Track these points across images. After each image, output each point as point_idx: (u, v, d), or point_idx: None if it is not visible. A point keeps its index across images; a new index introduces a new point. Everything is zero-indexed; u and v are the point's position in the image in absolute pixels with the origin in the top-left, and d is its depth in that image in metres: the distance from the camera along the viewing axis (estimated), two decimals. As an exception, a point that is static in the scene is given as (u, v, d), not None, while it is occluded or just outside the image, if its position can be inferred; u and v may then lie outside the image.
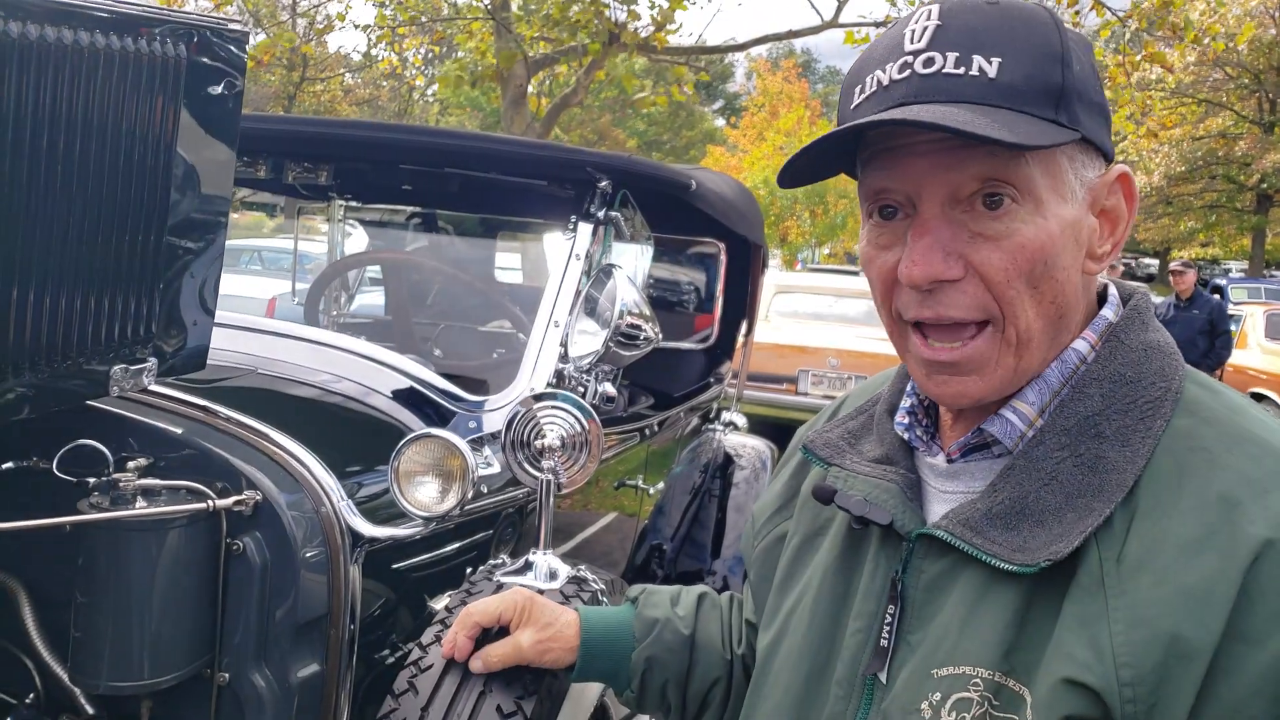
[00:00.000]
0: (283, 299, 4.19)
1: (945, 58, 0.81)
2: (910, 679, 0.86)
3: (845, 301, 8.88)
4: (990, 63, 0.80)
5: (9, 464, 1.50)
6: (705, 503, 4.07)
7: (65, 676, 1.48)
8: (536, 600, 1.26)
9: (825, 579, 0.98)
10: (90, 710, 1.49)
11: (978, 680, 0.81)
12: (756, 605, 1.12)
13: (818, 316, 8.71)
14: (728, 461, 4.14)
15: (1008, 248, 0.82)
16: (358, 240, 3.47)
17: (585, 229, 2.16)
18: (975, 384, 0.87)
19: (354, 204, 3.21)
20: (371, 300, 3.64)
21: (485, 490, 1.85)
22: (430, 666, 1.35)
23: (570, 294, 2.04)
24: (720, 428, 4.26)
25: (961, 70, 0.80)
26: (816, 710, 0.94)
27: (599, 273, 1.93)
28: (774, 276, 9.50)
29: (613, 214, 2.21)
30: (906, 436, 0.97)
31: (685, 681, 1.22)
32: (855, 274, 11.98)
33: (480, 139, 2.75)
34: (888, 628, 0.89)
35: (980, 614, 0.83)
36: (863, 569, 0.94)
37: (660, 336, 1.92)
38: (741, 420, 4.44)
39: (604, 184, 2.25)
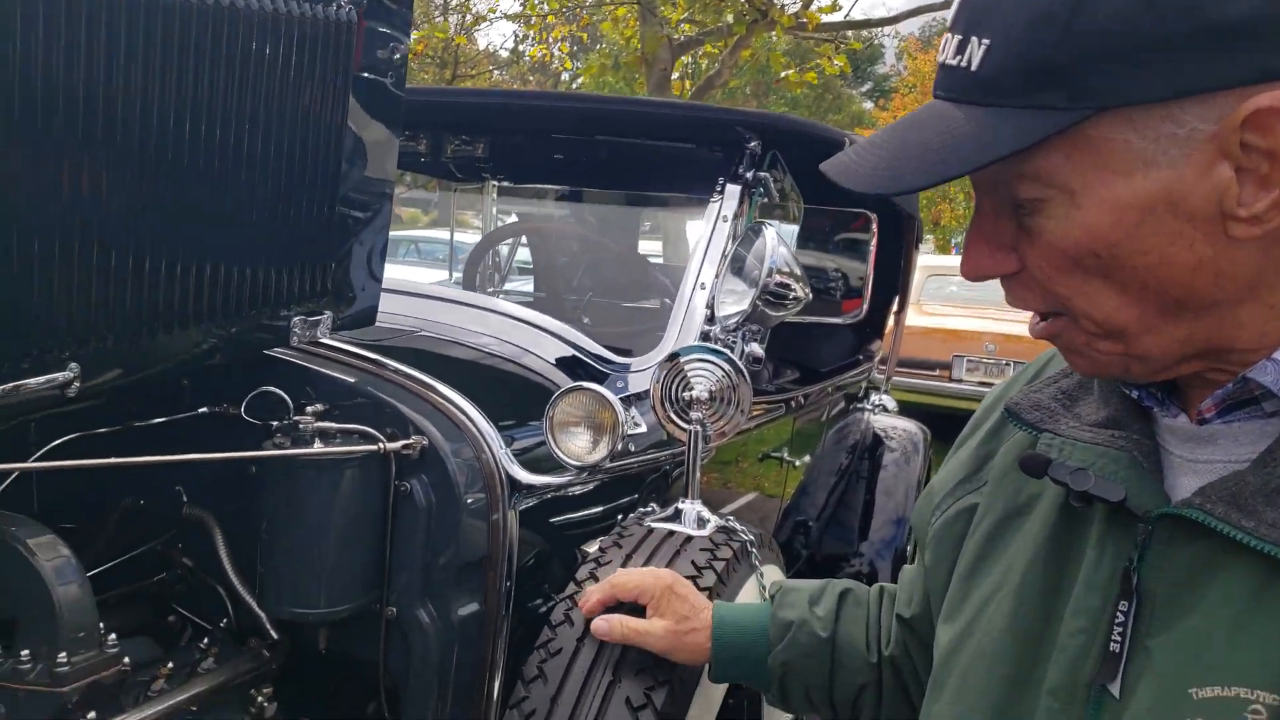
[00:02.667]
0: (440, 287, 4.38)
1: (953, 43, 0.73)
2: (1158, 699, 0.71)
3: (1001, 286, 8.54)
4: (979, 47, 0.70)
5: (204, 409, 1.65)
6: (852, 484, 4.00)
7: (253, 603, 1.61)
8: (678, 588, 1.24)
9: (1032, 566, 0.83)
10: (275, 635, 1.61)
11: (1259, 708, 0.65)
12: (933, 589, 0.99)
13: (973, 300, 8.41)
14: (877, 443, 4.06)
15: (1041, 246, 0.74)
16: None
17: (733, 190, 2.18)
18: (1083, 363, 0.79)
19: (506, 184, 3.33)
20: (522, 287, 3.76)
21: (633, 449, 1.89)
22: (560, 651, 1.39)
23: (717, 256, 2.06)
24: (869, 408, 4.19)
25: (957, 60, 0.72)
26: (1021, 717, 0.80)
27: (748, 230, 1.95)
28: (926, 259, 9.24)
29: (761, 175, 2.22)
30: (1135, 395, 0.81)
31: (829, 687, 1.15)
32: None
33: (629, 102, 2.80)
34: (1119, 629, 0.74)
35: (1259, 620, 0.67)
36: (1083, 556, 0.79)
37: (810, 296, 1.91)
38: (892, 403, 4.34)
39: (753, 144, 2.26)
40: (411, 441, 1.57)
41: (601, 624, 1.25)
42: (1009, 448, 0.92)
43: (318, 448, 1.50)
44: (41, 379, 1.20)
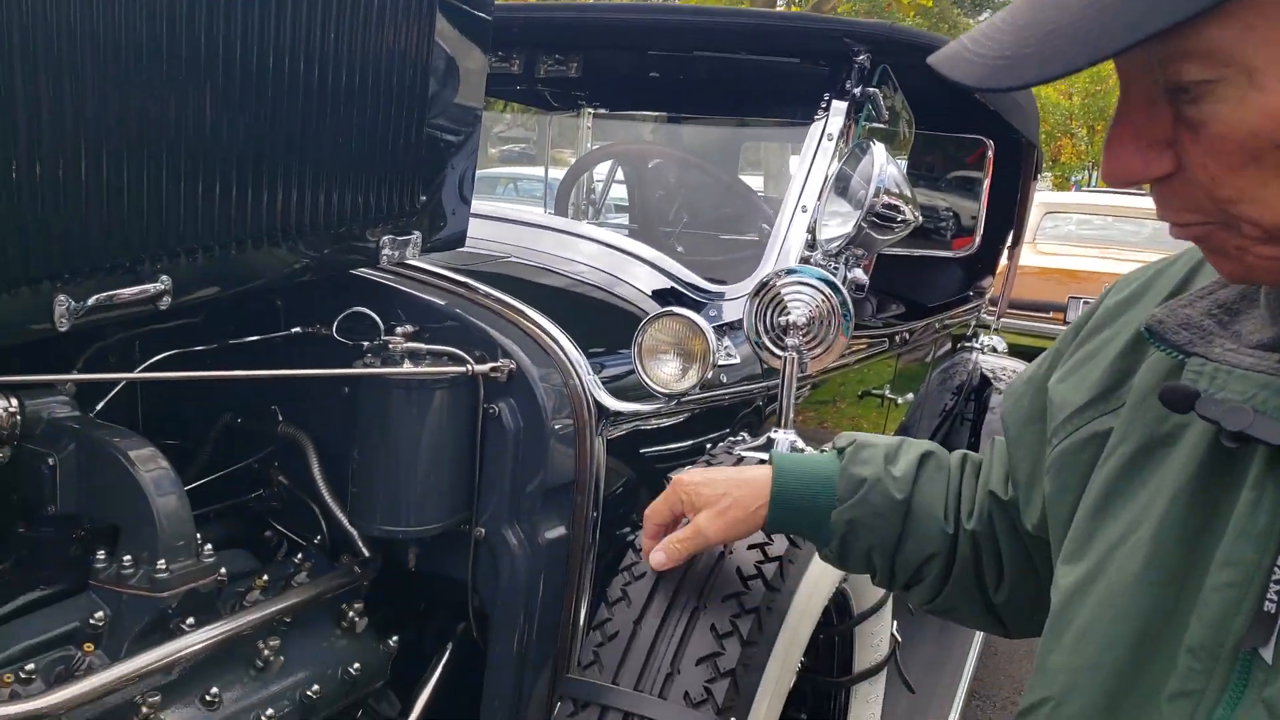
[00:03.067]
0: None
1: None
2: None
3: (1124, 224, 8.10)
4: None
5: (297, 329, 1.66)
6: (956, 427, 3.87)
7: (345, 521, 1.63)
8: (704, 482, 1.16)
9: (1173, 507, 0.73)
10: (366, 553, 1.63)
11: None
12: (1053, 521, 0.89)
13: (1092, 240, 8.01)
14: (984, 385, 3.91)
15: (1207, 140, 0.62)
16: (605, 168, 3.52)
17: (839, 107, 2.06)
18: (1232, 268, 0.68)
19: (601, 111, 3.26)
20: (615, 217, 3.70)
21: (724, 380, 1.84)
22: (644, 575, 1.36)
23: (820, 177, 1.97)
24: (978, 348, 4.03)
25: None
26: (1152, 680, 0.71)
27: (854, 148, 1.84)
28: (1042, 196, 8.81)
29: (870, 90, 2.10)
30: None
31: (894, 550, 1.07)
32: (1138, 193, 10.88)
33: (733, 13, 2.68)
34: (1276, 587, 0.65)
35: None
36: (1236, 499, 0.69)
37: (920, 219, 1.81)
38: (1001, 344, 4.17)
39: (861, 58, 2.13)
40: (499, 364, 1.56)
41: (660, 555, 1.19)
42: (1150, 367, 0.80)
43: (407, 368, 1.50)
44: (134, 289, 1.21)
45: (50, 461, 1.37)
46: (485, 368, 1.53)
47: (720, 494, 1.13)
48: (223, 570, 1.43)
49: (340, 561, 1.64)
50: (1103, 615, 0.75)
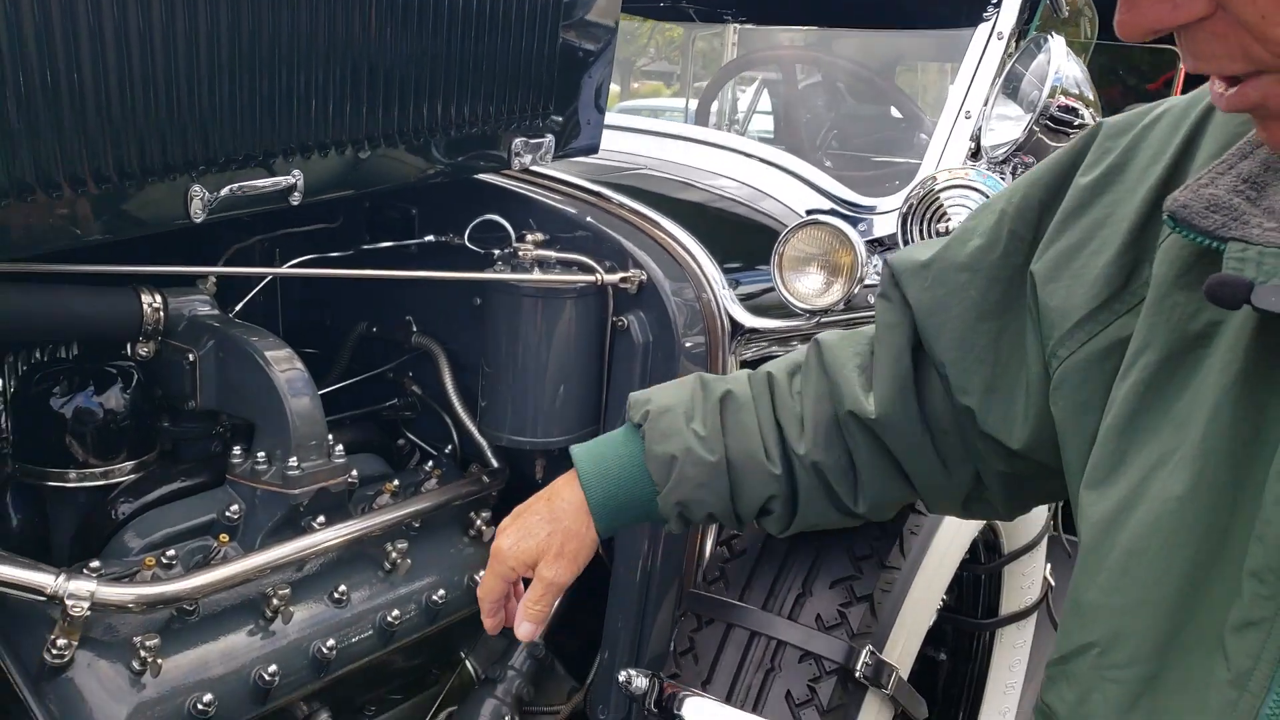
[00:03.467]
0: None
1: None
2: None
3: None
4: None
5: (430, 237, 1.64)
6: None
7: (475, 430, 1.62)
8: (523, 536, 1.02)
9: (1218, 415, 0.64)
10: (494, 463, 1.62)
11: None
12: (1069, 442, 0.78)
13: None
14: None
15: None
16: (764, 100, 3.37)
17: (1011, 3, 1.88)
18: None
19: (748, 25, 3.11)
20: (760, 134, 3.57)
21: (871, 300, 1.73)
22: (744, 552, 1.26)
23: (987, 79, 1.80)
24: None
25: None
26: (1211, 612, 0.63)
27: (1027, 43, 1.66)
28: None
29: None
30: None
31: (731, 505, 1.00)
32: None
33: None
34: None
35: None
36: None
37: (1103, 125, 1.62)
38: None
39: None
40: (630, 275, 1.49)
41: (524, 628, 1.04)
42: (1169, 257, 0.69)
43: (536, 275, 1.45)
44: (266, 182, 1.20)
45: (190, 358, 1.39)
46: (615, 278, 1.48)
47: (546, 536, 1.00)
48: (354, 473, 1.44)
49: (469, 471, 1.63)
50: (1148, 545, 0.66)
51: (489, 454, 1.63)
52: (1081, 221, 0.76)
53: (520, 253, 1.47)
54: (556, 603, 1.03)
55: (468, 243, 1.56)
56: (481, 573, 1.54)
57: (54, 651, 1.11)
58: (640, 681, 1.16)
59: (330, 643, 1.32)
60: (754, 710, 1.05)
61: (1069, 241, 0.77)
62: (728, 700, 1.05)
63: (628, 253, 1.51)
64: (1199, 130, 0.72)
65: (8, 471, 1.35)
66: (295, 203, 1.24)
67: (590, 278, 1.46)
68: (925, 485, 0.98)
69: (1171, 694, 0.64)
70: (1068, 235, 0.77)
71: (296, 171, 1.23)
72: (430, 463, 1.64)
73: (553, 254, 1.48)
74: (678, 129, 2.10)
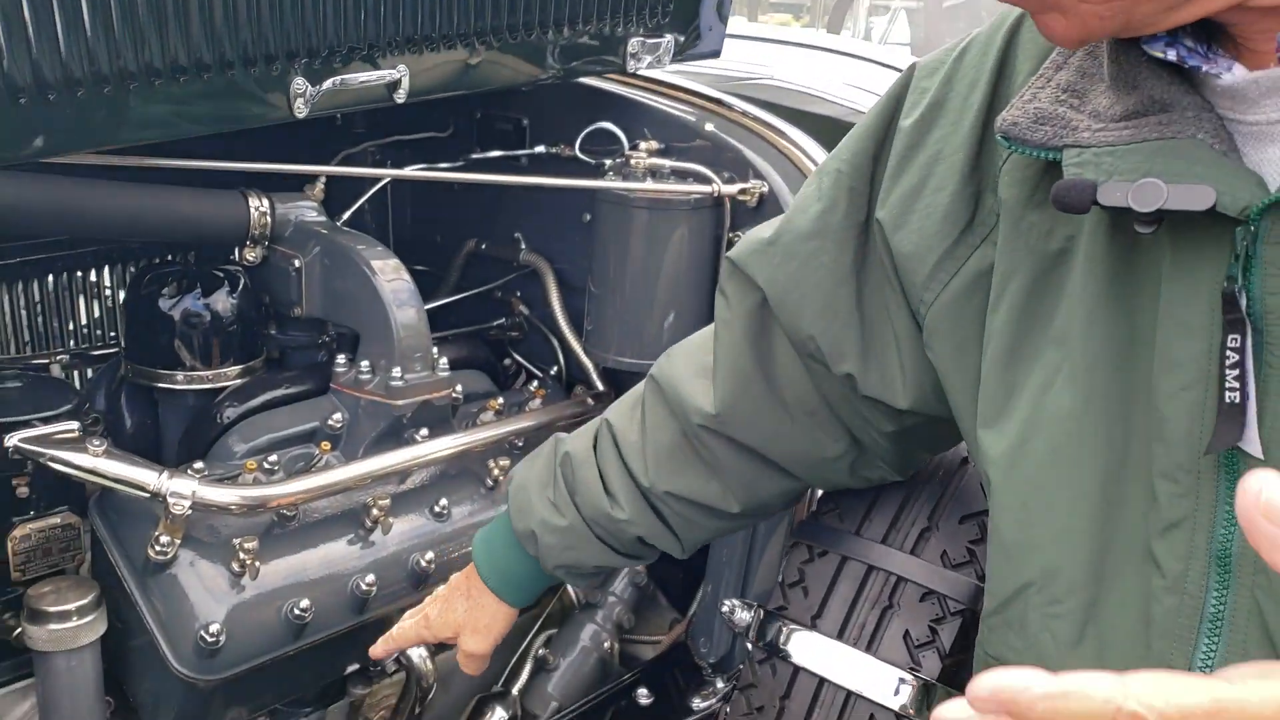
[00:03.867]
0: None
1: None
2: None
3: None
4: None
5: (540, 148, 1.57)
6: None
7: (580, 351, 1.56)
8: (443, 609, 1.11)
9: (1094, 328, 0.63)
10: (600, 385, 1.56)
11: None
12: (954, 384, 0.76)
13: None
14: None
15: None
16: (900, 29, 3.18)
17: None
18: (1067, 27, 0.56)
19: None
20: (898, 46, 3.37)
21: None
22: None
23: None
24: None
25: None
26: (1132, 524, 0.62)
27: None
28: None
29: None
30: (1169, 54, 0.57)
31: (614, 556, 1.02)
32: None
33: None
34: (1233, 372, 0.56)
35: None
36: (1158, 294, 0.60)
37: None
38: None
39: None
40: (750, 186, 1.40)
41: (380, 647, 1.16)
42: (1011, 180, 0.69)
43: (648, 185, 1.37)
44: (372, 75, 1.15)
45: (296, 264, 1.37)
46: (733, 189, 1.38)
47: (465, 613, 1.09)
48: (458, 388, 1.40)
49: (574, 393, 1.58)
50: (1054, 470, 0.65)
51: (594, 376, 1.57)
52: (915, 163, 0.75)
53: (633, 162, 1.40)
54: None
55: (579, 153, 1.49)
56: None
57: (157, 548, 1.11)
58: (744, 614, 1.09)
59: (429, 556, 1.30)
60: (868, 650, 0.97)
61: (907, 185, 0.76)
62: (839, 638, 0.98)
63: (748, 163, 1.42)
64: (1009, 52, 0.71)
65: (121, 372, 1.36)
66: (400, 100, 1.19)
67: (706, 189, 1.38)
68: (801, 468, 0.96)
69: (1115, 615, 0.64)
70: (905, 179, 0.76)
71: (402, 67, 1.17)
72: (535, 383, 1.60)
73: (667, 163, 1.40)
74: (806, 37, 1.97)
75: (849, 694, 0.96)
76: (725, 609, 1.10)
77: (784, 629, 1.03)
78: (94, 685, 1.12)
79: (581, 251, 1.57)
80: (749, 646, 1.06)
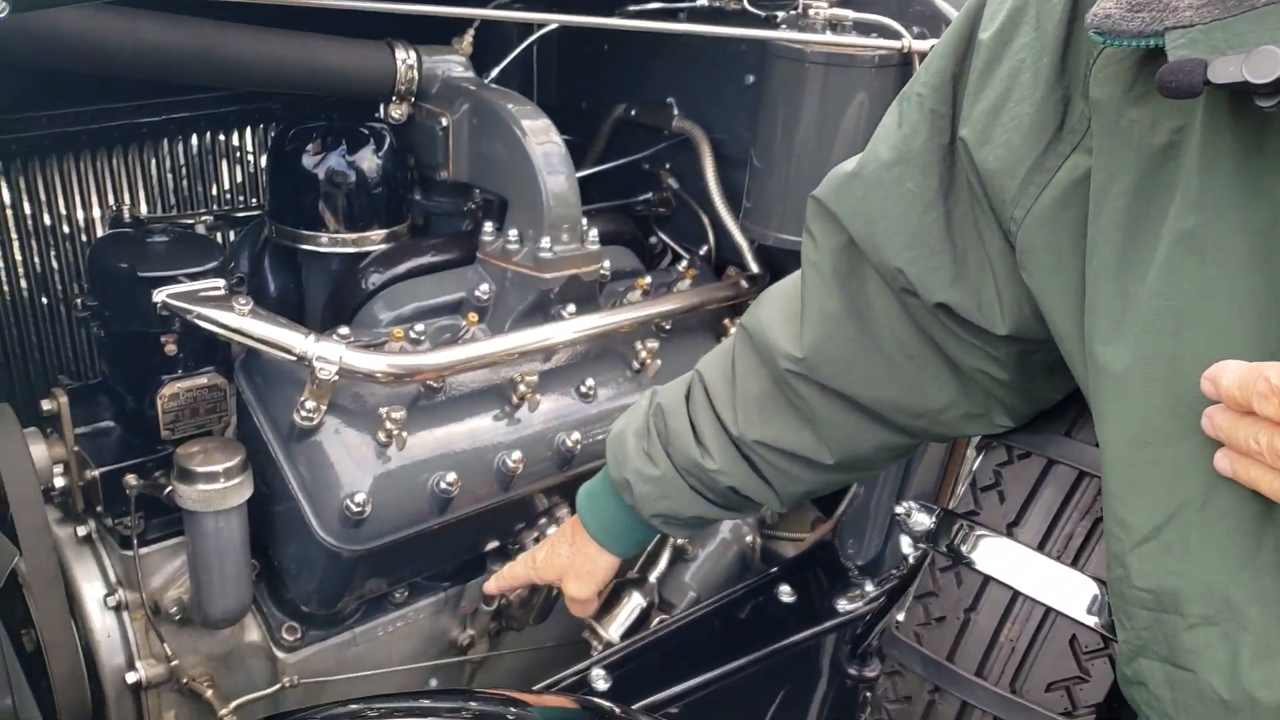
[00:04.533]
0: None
1: None
2: None
3: None
4: None
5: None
6: None
7: (735, 230, 1.45)
8: (549, 554, 1.12)
9: (1224, 219, 0.57)
10: (755, 267, 1.46)
11: None
12: (1055, 301, 0.71)
13: None
14: None
15: None
16: None
17: None
18: None
19: None
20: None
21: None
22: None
23: None
24: None
25: None
26: None
27: None
28: None
29: None
30: None
31: (711, 507, 1.00)
32: None
33: None
34: None
35: None
36: None
37: None
38: None
39: None
40: (941, 44, 1.24)
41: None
42: (1106, 76, 0.63)
43: (827, 38, 1.23)
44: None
45: (443, 123, 1.29)
46: (924, 45, 1.23)
47: (568, 559, 1.10)
48: (606, 264, 1.31)
49: (726, 274, 1.48)
50: (1194, 383, 0.57)
51: (748, 256, 1.46)
52: (997, 76, 0.71)
53: (811, 12, 1.25)
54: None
55: (747, 4, 1.35)
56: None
57: (303, 413, 1.07)
58: (923, 517, 0.99)
59: (575, 436, 1.23)
60: (1074, 564, 0.86)
61: (990, 99, 0.71)
62: (1039, 549, 0.87)
63: (941, 16, 1.26)
64: None
65: (265, 234, 1.32)
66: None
67: (894, 44, 1.23)
68: (905, 417, 0.90)
69: None
70: (987, 94, 0.72)
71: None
72: (685, 262, 1.50)
73: (848, 14, 1.25)
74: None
75: (1047, 610, 0.86)
76: (901, 511, 1.00)
77: (972, 535, 0.92)
78: (240, 547, 1.11)
79: (741, 119, 1.44)
80: (930, 552, 0.96)
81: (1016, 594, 0.89)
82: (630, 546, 1.09)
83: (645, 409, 1.03)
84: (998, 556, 0.90)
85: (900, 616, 0.98)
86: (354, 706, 0.79)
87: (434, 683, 1.36)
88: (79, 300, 1.14)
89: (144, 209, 1.44)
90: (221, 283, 1.07)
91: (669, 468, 0.99)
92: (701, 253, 1.53)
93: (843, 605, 1.47)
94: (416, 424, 1.14)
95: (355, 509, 1.06)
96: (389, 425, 1.09)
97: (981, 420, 0.89)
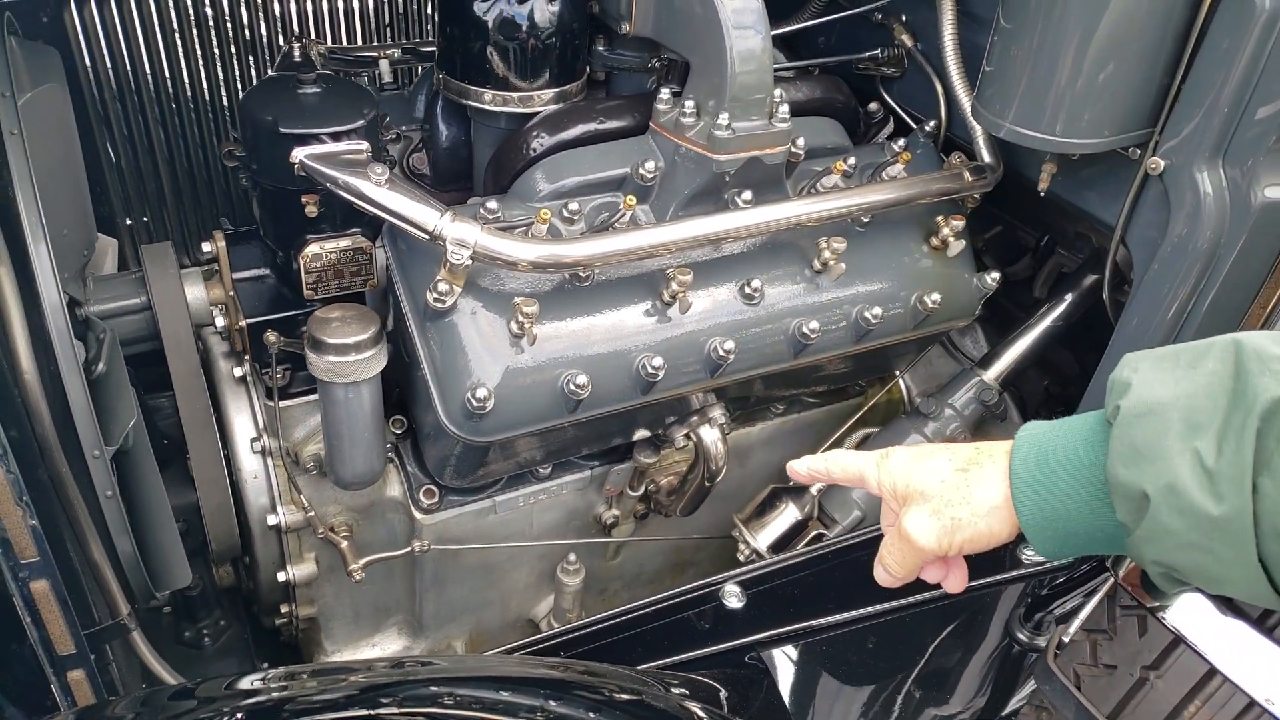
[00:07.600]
0: None
1: None
2: None
3: None
4: None
5: None
6: None
7: (967, 108, 1.21)
8: (940, 534, 0.70)
9: None
10: (986, 157, 1.22)
11: None
12: None
13: None
14: None
15: None
16: None
17: None
18: None
19: None
20: None
21: None
22: None
23: None
24: None
25: None
26: None
27: None
28: None
29: None
30: None
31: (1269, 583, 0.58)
32: None
33: None
34: None
35: None
36: None
37: None
38: None
39: None
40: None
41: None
42: None
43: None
44: None
45: (628, -34, 1.12)
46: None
47: (969, 537, 0.69)
48: (799, 142, 1.13)
49: (949, 161, 1.24)
50: None
51: (980, 144, 1.22)
52: None
53: None
54: None
55: None
56: (936, 296, 1.21)
57: (435, 294, 1.01)
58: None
59: (729, 345, 1.10)
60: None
61: None
62: (1258, 625, 0.68)
63: None
64: None
65: (435, 83, 1.23)
66: None
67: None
68: None
69: None
70: None
71: None
72: (902, 141, 1.27)
73: None
74: None
75: (1251, 703, 0.68)
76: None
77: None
78: (371, 417, 1.10)
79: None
80: (1110, 578, 0.78)
81: (1214, 670, 0.70)
82: (1065, 551, 0.70)
83: (1221, 386, 0.60)
84: (1198, 617, 0.71)
85: (1064, 638, 0.82)
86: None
87: (572, 557, 1.34)
88: (230, 150, 1.11)
89: (344, 39, 1.40)
90: (364, 146, 1.01)
91: (1243, 510, 0.57)
92: (929, 128, 1.30)
93: (1028, 555, 1.29)
94: (553, 313, 1.06)
95: (476, 403, 1.01)
96: (521, 318, 1.02)
97: None
